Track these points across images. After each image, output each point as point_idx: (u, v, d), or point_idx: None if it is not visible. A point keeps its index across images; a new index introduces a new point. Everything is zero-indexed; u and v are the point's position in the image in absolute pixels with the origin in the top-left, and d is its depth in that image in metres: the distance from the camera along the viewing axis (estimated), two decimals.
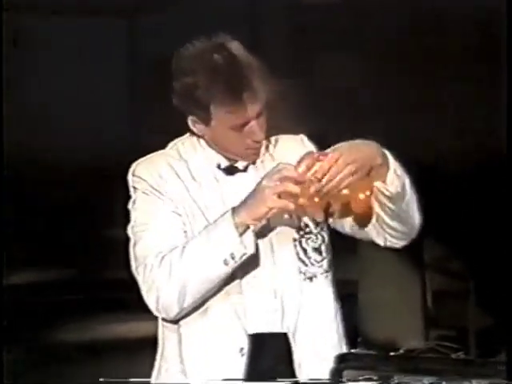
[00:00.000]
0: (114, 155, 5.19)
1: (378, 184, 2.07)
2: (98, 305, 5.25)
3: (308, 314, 2.16)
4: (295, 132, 2.31)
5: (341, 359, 1.90)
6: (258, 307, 2.12)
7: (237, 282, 2.12)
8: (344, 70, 5.36)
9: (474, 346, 4.64)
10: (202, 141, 2.20)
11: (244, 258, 2.04)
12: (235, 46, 2.10)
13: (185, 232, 2.12)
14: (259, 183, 2.03)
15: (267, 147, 2.23)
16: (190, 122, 2.16)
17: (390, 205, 2.10)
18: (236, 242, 2.02)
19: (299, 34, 5.26)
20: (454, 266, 5.18)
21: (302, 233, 2.18)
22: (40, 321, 5.02)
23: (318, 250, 2.19)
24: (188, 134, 2.23)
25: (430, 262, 5.16)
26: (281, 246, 2.15)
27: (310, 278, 2.17)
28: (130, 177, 2.19)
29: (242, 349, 2.11)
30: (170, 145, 2.25)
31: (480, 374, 1.80)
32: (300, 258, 2.17)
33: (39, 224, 5.28)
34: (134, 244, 2.15)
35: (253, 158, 2.19)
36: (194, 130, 2.17)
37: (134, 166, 2.20)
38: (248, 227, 2.03)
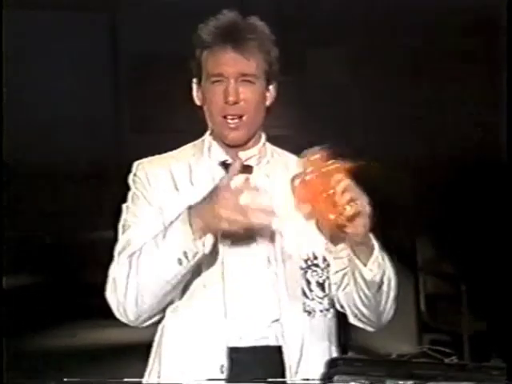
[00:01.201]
0: (100, 156, 5.17)
1: (358, 264, 2.04)
2: (88, 310, 5.22)
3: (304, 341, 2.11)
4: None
5: (332, 364, 1.87)
6: (248, 326, 2.08)
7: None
8: (345, 69, 5.35)
9: (467, 351, 4.62)
10: (209, 138, 2.18)
11: (197, 257, 1.97)
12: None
13: None
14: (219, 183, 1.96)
15: (278, 153, 2.21)
16: (194, 91, 2.16)
17: (365, 289, 2.08)
18: (189, 240, 1.94)
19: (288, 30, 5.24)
20: (448, 269, 5.16)
21: (309, 263, 2.13)
22: (28, 325, 4.99)
23: (321, 286, 2.15)
24: (200, 140, 2.21)
25: (423, 264, 5.14)
26: (287, 271, 2.11)
27: (309, 313, 2.12)
28: (130, 175, 2.18)
29: (222, 366, 2.06)
30: (183, 147, 2.24)
31: (473, 379, 1.78)
32: (302, 289, 2.12)
33: (26, 228, 5.25)
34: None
35: (234, 137, 2.13)
36: (196, 100, 2.17)
37: (135, 164, 2.19)
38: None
